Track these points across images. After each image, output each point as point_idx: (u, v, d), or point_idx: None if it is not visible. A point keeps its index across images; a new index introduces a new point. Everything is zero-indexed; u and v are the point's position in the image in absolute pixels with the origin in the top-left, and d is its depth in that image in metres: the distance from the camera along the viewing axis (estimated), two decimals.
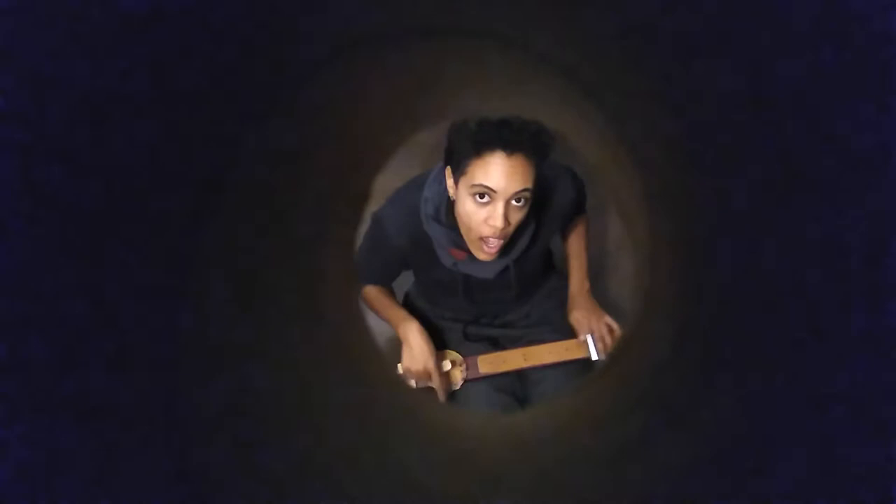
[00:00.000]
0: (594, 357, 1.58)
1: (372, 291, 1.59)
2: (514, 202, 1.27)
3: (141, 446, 0.41)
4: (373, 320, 1.38)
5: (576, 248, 1.65)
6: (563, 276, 1.72)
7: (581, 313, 1.60)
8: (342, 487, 0.58)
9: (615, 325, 1.58)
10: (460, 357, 1.58)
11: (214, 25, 0.39)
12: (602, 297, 1.82)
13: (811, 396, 0.37)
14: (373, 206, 1.41)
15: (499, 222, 1.26)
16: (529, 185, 1.25)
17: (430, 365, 1.51)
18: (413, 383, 1.53)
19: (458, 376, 1.57)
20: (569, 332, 1.62)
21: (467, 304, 1.57)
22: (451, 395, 1.56)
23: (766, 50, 0.34)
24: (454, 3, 0.50)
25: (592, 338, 1.58)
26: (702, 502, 0.45)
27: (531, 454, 0.71)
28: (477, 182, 1.24)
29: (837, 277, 0.34)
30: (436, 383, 1.52)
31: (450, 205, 1.38)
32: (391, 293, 1.63)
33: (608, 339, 1.56)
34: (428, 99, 0.75)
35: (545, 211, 1.46)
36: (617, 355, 0.84)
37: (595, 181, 1.65)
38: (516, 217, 1.30)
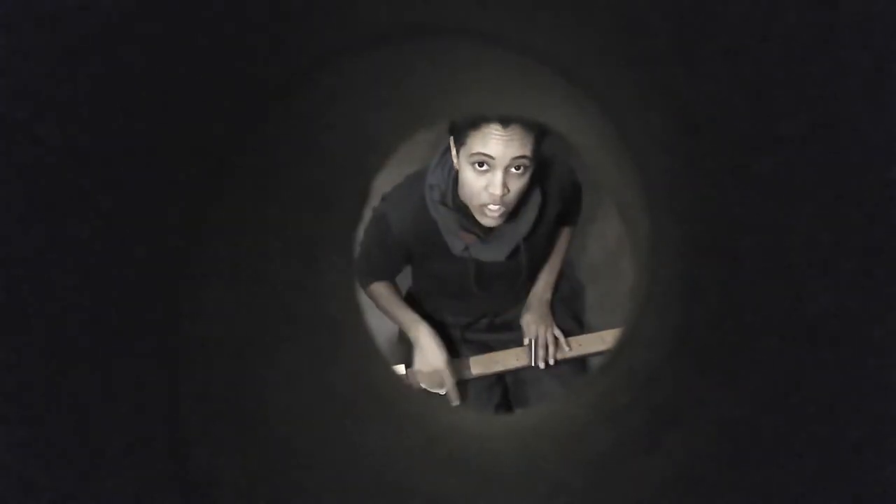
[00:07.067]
0: (533, 364, 1.59)
1: (379, 289, 1.59)
2: (512, 170, 1.30)
3: (139, 446, 0.41)
4: (373, 320, 1.37)
5: (554, 257, 1.68)
6: (564, 276, 1.72)
7: (532, 317, 1.62)
8: (340, 487, 0.58)
9: (562, 339, 1.60)
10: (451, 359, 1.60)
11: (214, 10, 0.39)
12: (601, 297, 1.81)
13: (810, 396, 0.37)
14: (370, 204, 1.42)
15: (497, 189, 1.29)
16: (527, 152, 1.28)
17: (442, 367, 1.52)
18: (423, 385, 1.53)
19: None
20: (565, 334, 1.63)
21: (478, 291, 1.57)
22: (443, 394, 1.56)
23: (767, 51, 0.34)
24: (455, 3, 0.50)
25: (536, 344, 1.59)
26: (700, 502, 0.45)
27: (529, 455, 0.71)
28: (475, 151, 1.27)
29: (839, 280, 0.34)
30: (448, 385, 1.53)
31: (455, 188, 1.40)
32: (398, 291, 1.63)
33: (552, 349, 1.58)
34: (428, 99, 0.75)
35: (548, 182, 1.48)
36: (615, 356, 0.84)
37: (595, 181, 1.66)
38: (516, 185, 1.32)
